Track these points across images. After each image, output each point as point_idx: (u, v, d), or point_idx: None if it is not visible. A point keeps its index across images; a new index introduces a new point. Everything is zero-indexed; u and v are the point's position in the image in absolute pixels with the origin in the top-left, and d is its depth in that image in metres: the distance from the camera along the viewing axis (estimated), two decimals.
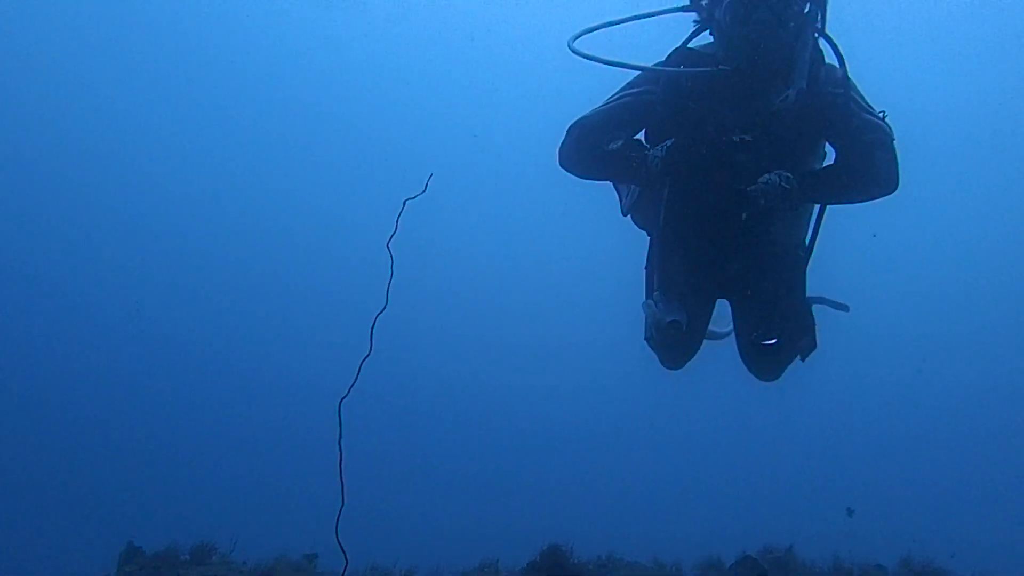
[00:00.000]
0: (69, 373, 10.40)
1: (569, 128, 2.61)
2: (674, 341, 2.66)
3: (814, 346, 2.85)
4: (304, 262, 12.75)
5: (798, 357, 2.92)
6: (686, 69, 2.37)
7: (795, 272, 2.78)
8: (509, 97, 13.63)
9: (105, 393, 10.13)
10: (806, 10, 2.31)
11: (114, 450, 8.96)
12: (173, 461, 8.69)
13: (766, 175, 2.29)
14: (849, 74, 2.43)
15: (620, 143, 2.49)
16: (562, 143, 2.62)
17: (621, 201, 2.86)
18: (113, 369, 10.60)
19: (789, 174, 2.29)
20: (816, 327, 2.88)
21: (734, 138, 2.33)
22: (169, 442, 9.09)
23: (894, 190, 2.49)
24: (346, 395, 2.22)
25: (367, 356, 2.35)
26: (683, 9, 2.46)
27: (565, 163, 2.63)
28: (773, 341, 2.65)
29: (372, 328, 2.38)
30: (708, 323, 2.99)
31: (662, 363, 3.14)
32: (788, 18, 2.26)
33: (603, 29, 2.50)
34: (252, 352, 11.04)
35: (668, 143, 2.41)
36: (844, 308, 3.37)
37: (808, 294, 3.04)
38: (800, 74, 2.26)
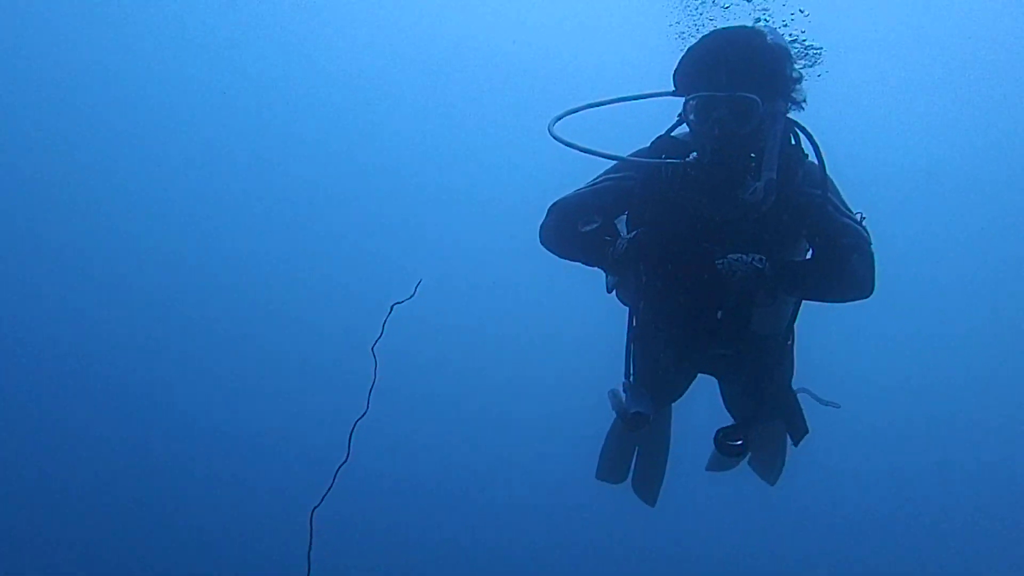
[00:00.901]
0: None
1: (550, 207, 2.62)
2: (638, 430, 2.61)
3: (806, 431, 2.82)
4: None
5: (791, 443, 2.86)
6: (654, 160, 2.38)
7: (778, 359, 2.75)
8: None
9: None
10: (774, 106, 2.31)
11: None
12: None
13: (737, 254, 2.27)
14: (828, 172, 2.43)
15: (595, 226, 2.48)
16: (543, 222, 2.63)
17: (607, 277, 2.85)
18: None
19: (762, 256, 2.28)
20: (803, 412, 2.84)
21: (703, 242, 2.33)
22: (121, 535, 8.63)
23: (869, 295, 2.50)
24: (319, 504, 2.15)
25: (343, 462, 2.29)
26: (671, 94, 2.46)
27: (545, 242, 2.64)
28: (739, 443, 2.57)
29: (351, 434, 2.34)
30: (684, 392, 2.97)
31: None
32: (750, 116, 2.26)
33: (588, 109, 2.50)
34: (226, 452, 10.70)
35: (634, 232, 2.41)
36: (834, 405, 3.34)
37: (796, 385, 3.02)
38: (769, 166, 2.26)
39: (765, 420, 2.74)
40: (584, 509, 8.89)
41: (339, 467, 2.28)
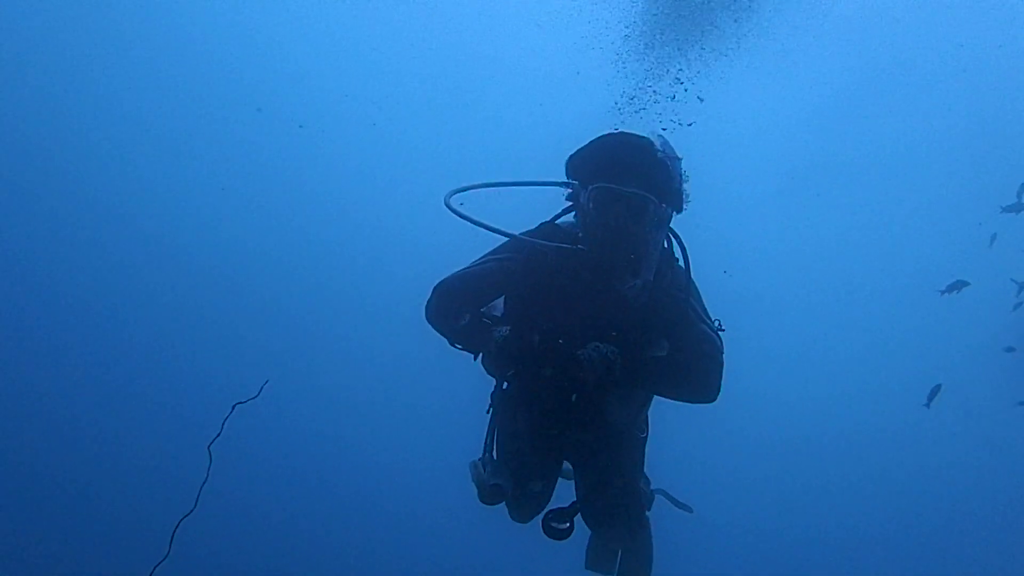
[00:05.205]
0: None
1: (434, 287, 2.66)
2: (496, 503, 2.65)
3: (640, 528, 2.96)
4: None
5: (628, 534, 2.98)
6: (546, 243, 2.46)
7: (630, 450, 2.86)
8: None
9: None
10: (663, 212, 2.45)
11: None
12: None
13: (595, 344, 2.40)
14: (692, 277, 2.56)
15: (467, 319, 2.57)
16: (427, 301, 2.67)
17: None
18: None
19: (616, 349, 2.41)
20: (647, 514, 2.97)
21: (569, 331, 2.42)
22: None
23: (712, 400, 2.65)
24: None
25: (163, 559, 2.37)
26: (563, 184, 2.55)
27: (430, 321, 2.69)
28: (566, 527, 2.64)
29: (174, 531, 2.43)
30: (554, 482, 3.00)
31: (511, 517, 3.03)
32: (644, 215, 2.40)
33: (482, 188, 2.57)
34: None
35: (504, 331, 2.51)
36: (687, 509, 3.52)
37: (654, 486, 3.17)
38: (648, 267, 2.41)
39: (610, 525, 2.85)
40: None
41: (157, 564, 2.35)
